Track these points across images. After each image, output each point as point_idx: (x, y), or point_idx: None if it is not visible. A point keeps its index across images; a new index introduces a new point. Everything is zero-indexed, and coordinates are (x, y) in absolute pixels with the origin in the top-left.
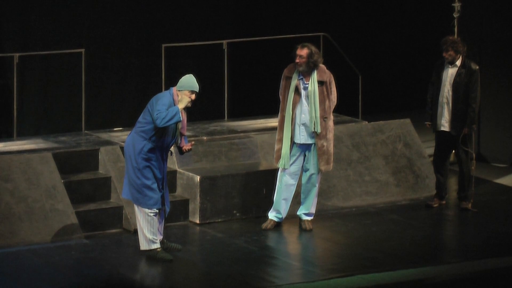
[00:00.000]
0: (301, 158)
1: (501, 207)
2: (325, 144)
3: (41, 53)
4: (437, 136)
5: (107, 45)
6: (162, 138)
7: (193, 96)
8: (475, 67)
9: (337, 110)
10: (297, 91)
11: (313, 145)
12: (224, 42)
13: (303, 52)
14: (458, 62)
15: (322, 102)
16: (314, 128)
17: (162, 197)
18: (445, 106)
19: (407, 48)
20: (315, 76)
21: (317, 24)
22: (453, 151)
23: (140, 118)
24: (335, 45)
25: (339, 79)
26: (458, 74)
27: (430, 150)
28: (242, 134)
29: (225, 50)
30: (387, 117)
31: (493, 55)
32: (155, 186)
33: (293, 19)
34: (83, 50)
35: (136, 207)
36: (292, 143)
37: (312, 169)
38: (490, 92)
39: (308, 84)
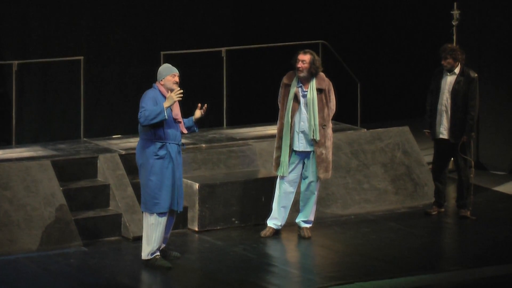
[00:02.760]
0: (300, 165)
1: (500, 215)
2: (324, 152)
3: (40, 61)
4: (436, 144)
5: (106, 52)
6: (166, 132)
7: (176, 78)
8: (473, 75)
9: (336, 118)
10: (296, 98)
11: (312, 152)
12: (223, 49)
13: (306, 57)
14: (457, 70)
15: (321, 109)
16: (313, 136)
17: (174, 199)
18: (444, 114)
19: (406, 55)
20: (314, 83)
21: (316, 31)
22: (452, 159)
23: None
24: (334, 53)
25: (338, 87)
26: (456, 82)
27: (429, 158)
28: (241, 141)
29: (224, 57)
30: (386, 124)
31: (492, 63)
32: (168, 188)
33: (292, 26)
34: (82, 57)
35: (145, 216)
36: (291, 150)
37: (311, 176)
38: (489, 99)
39: (307, 91)
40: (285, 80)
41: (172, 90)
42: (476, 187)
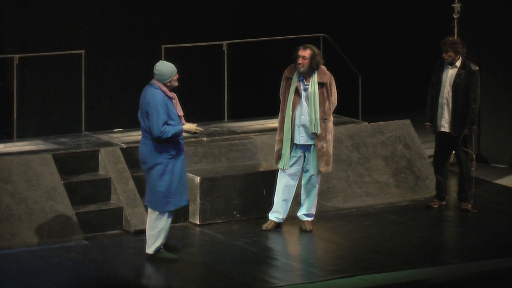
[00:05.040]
0: (301, 159)
1: (501, 208)
2: (324, 145)
3: (41, 54)
4: (437, 137)
5: (107, 46)
6: None
7: (177, 75)
8: (474, 68)
9: (337, 111)
10: (297, 92)
11: (312, 146)
12: (224, 43)
13: (306, 53)
14: (458, 63)
15: (322, 103)
16: (314, 130)
17: (184, 194)
18: (445, 107)
19: (407, 49)
20: (315, 77)
21: (317, 25)
22: (453, 152)
23: (145, 126)
24: (335, 46)
25: (339, 80)
26: (458, 75)
27: (430, 151)
28: (242, 135)
29: (225, 51)
30: (387, 118)
31: (493, 56)
32: (178, 185)
33: (293, 20)
34: (83, 51)
35: (153, 214)
36: (292, 144)
37: (312, 170)
38: (490, 93)
39: (308, 85)
40: (286, 73)
41: (173, 89)
42: (477, 180)
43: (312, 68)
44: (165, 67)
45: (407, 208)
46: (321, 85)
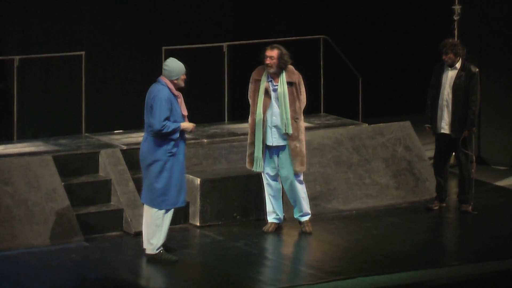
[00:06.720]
0: (275, 160)
1: (501, 210)
2: (298, 145)
3: (41, 56)
4: (437, 138)
5: (107, 47)
6: None
7: (185, 76)
8: (474, 69)
9: (338, 113)
10: (267, 93)
11: (286, 146)
12: (224, 44)
13: (273, 53)
14: (458, 65)
15: (292, 103)
16: (285, 130)
17: (181, 194)
18: (445, 109)
19: (407, 50)
20: (284, 77)
21: (318, 26)
22: (453, 153)
23: (149, 121)
24: (335, 48)
25: (339, 82)
26: (458, 77)
27: (430, 153)
28: (242, 137)
29: (225, 52)
30: (387, 119)
31: (493, 58)
32: (176, 184)
33: (293, 21)
34: (83, 52)
35: (151, 211)
36: (264, 146)
37: (288, 172)
38: (490, 94)
39: (277, 85)
40: (254, 75)
41: (179, 88)
42: (477, 182)
43: (280, 68)
44: (175, 64)
45: (407, 210)
46: (290, 84)
